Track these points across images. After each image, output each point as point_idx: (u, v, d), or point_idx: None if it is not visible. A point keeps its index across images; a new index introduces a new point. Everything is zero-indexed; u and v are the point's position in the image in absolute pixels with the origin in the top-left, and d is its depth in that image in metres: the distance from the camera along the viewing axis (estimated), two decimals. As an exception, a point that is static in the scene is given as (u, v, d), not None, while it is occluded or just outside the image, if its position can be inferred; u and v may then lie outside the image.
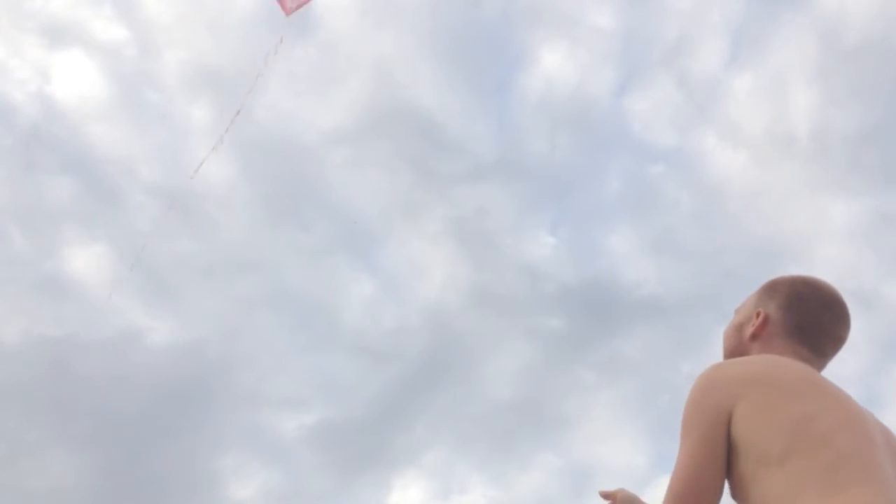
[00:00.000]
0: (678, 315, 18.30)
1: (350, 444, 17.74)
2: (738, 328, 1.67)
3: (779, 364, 1.47)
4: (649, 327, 18.77)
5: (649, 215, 20.52)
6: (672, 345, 18.08)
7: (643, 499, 1.62)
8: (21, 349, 16.50)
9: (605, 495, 1.67)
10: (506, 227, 20.21)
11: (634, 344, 18.84)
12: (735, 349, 1.65)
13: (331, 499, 17.09)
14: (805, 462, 1.30)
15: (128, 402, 16.45)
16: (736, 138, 19.08)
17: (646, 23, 19.44)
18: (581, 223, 21.50)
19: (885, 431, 1.46)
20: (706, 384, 1.46)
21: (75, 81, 19.69)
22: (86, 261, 19.12)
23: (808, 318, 1.60)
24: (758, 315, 1.63)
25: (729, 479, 1.43)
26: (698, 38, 19.00)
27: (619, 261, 20.30)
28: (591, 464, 17.59)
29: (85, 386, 16.57)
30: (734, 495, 1.43)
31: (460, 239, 19.81)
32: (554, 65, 19.89)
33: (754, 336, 1.62)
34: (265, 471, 17.93)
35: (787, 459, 1.31)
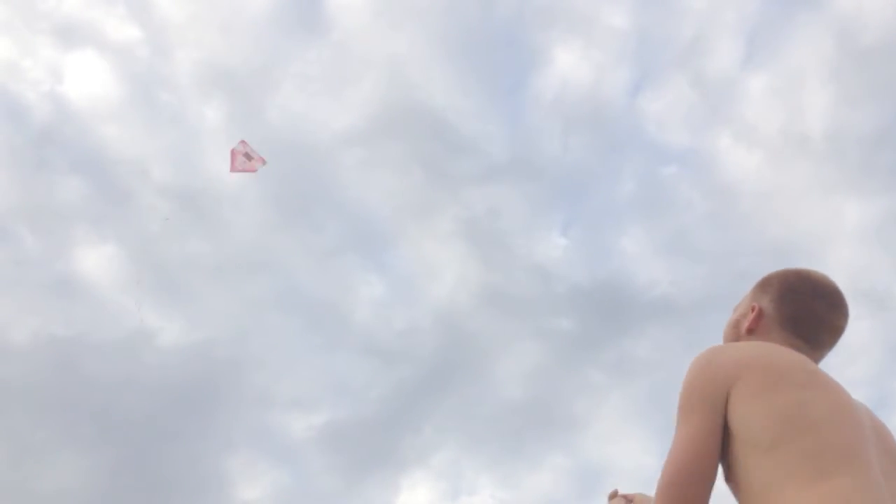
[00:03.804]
0: (690, 316, 18.19)
1: (359, 445, 17.71)
2: (735, 324, 1.70)
3: (775, 350, 1.47)
4: (661, 328, 18.69)
5: (662, 216, 20.44)
6: (684, 345, 18.01)
7: None
8: (30, 349, 16.54)
9: (622, 497, 1.72)
10: (517, 228, 20.16)
11: (645, 345, 18.76)
12: None
13: (339, 499, 17.06)
14: (792, 449, 1.31)
15: (136, 403, 16.47)
16: (750, 138, 18.97)
17: (660, 23, 19.37)
18: (593, 224, 21.43)
19: (877, 425, 1.47)
20: (704, 366, 1.47)
21: (88, 81, 19.77)
22: (96, 261, 19.18)
23: (801, 308, 1.61)
24: (753, 309, 1.65)
25: (722, 462, 1.43)
26: (713, 38, 18.92)
27: (632, 261, 20.21)
28: (600, 465, 17.52)
29: (94, 386, 16.59)
30: (727, 478, 1.43)
31: (472, 239, 19.77)
32: (568, 65, 19.85)
33: (750, 330, 1.64)
34: (273, 471, 17.93)
35: (775, 446, 1.32)
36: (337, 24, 19.77)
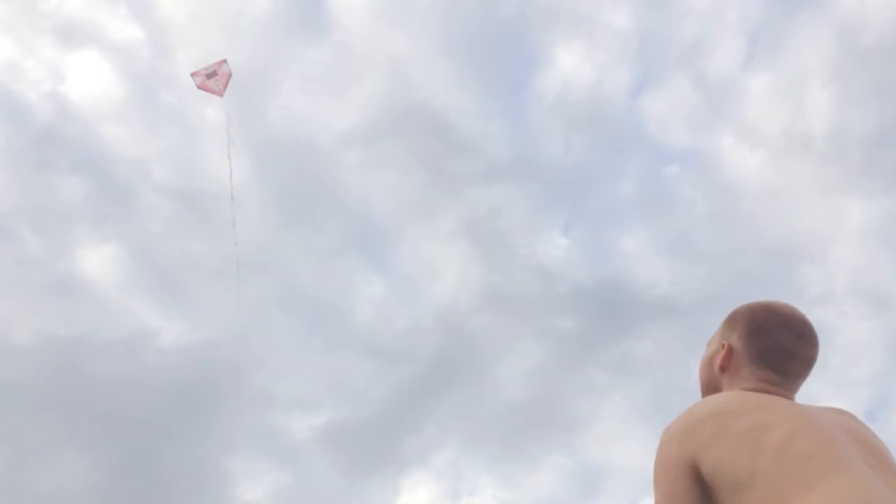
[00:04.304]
0: (692, 316, 18.16)
1: (360, 445, 17.71)
2: (709, 361, 1.72)
3: (730, 395, 1.53)
4: (662, 328, 18.68)
5: (664, 216, 20.42)
6: (685, 345, 17.97)
7: None
8: (32, 349, 16.54)
9: None
10: (519, 228, 20.15)
11: (647, 345, 18.74)
12: (709, 383, 1.71)
13: (340, 500, 17.05)
14: (771, 473, 1.34)
15: (138, 403, 16.46)
16: (752, 139, 18.96)
17: (662, 23, 19.37)
18: (595, 224, 21.42)
19: (848, 426, 1.49)
20: (665, 440, 1.51)
21: (89, 82, 19.76)
22: (98, 261, 19.18)
23: (768, 342, 1.62)
24: (723, 346, 1.67)
25: None
26: (715, 38, 18.91)
27: (633, 262, 20.20)
28: (601, 465, 17.51)
29: (95, 386, 16.58)
30: None
31: (473, 239, 19.76)
32: (570, 65, 19.84)
33: (722, 368, 1.66)
34: (275, 471, 17.93)
35: (755, 479, 1.35)
36: (339, 24, 19.78)
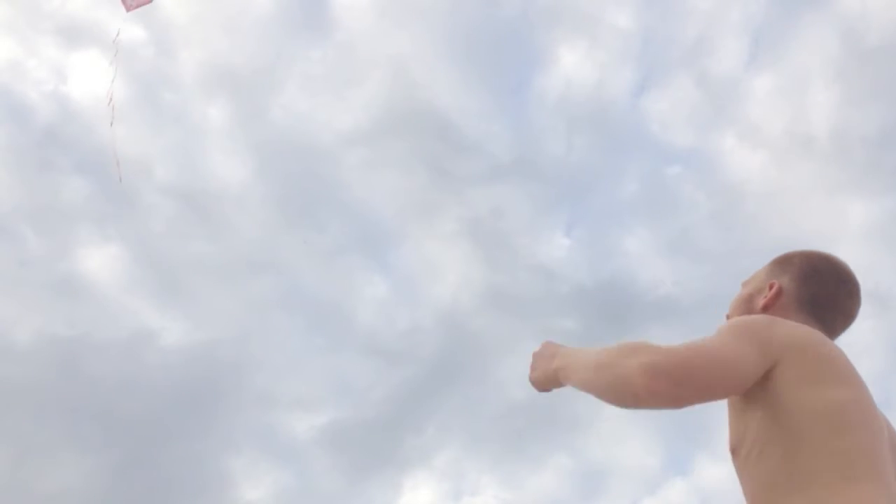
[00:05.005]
0: (694, 316, 18.10)
1: (361, 446, 17.68)
2: (748, 299, 1.62)
3: (825, 341, 1.42)
4: (664, 328, 18.59)
5: (666, 216, 20.37)
6: (687, 346, 17.90)
7: None
8: (33, 349, 16.55)
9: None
10: (521, 228, 20.10)
11: (649, 346, 18.64)
12: None
13: (341, 500, 17.03)
14: (825, 448, 1.27)
15: (139, 403, 16.46)
16: (755, 139, 18.90)
17: (665, 23, 19.30)
18: (597, 224, 21.38)
19: (888, 425, 1.45)
20: (767, 324, 1.39)
21: (91, 82, 19.76)
22: (100, 261, 19.18)
23: (822, 291, 1.56)
24: (771, 287, 1.58)
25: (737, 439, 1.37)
26: (718, 37, 18.84)
27: (635, 262, 20.14)
28: (603, 465, 17.45)
29: (96, 386, 16.59)
30: (736, 451, 1.38)
31: (475, 240, 19.72)
32: (572, 65, 19.78)
33: (766, 307, 1.57)
34: (276, 472, 17.89)
35: (809, 440, 1.28)
36: (341, 24, 19.75)
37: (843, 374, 1.36)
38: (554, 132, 20.17)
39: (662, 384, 1.25)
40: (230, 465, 17.39)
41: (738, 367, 1.31)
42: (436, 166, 19.39)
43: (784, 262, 1.61)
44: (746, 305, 1.61)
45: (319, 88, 19.23)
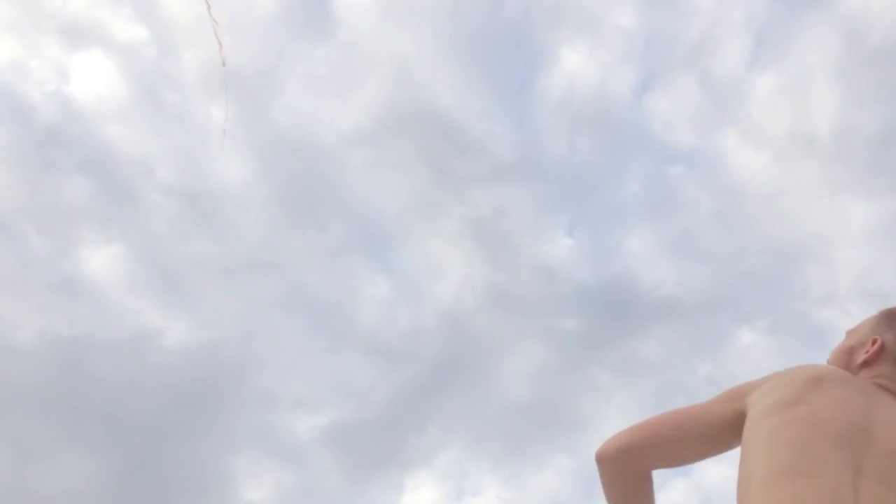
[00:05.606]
0: (696, 316, 18.09)
1: (363, 446, 17.67)
2: (849, 351, 1.62)
3: (795, 367, 1.48)
4: (667, 328, 18.58)
5: (668, 216, 20.32)
6: (689, 346, 17.90)
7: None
8: (35, 349, 16.56)
9: None
10: (524, 228, 20.08)
11: (651, 345, 18.67)
12: None
13: (343, 500, 17.01)
14: (761, 449, 1.32)
15: (141, 403, 16.47)
16: (757, 139, 18.85)
17: (668, 22, 19.25)
18: (599, 224, 21.34)
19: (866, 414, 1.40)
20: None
21: (94, 81, 19.76)
22: (102, 261, 19.18)
23: None
24: (874, 342, 1.57)
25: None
26: (720, 37, 18.78)
27: (637, 262, 20.11)
28: (606, 467, 17.39)
29: (98, 386, 16.60)
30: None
31: (478, 240, 19.70)
32: (575, 65, 19.74)
33: (866, 363, 1.57)
34: (277, 472, 17.88)
35: (752, 440, 1.35)
36: (344, 23, 19.74)
37: (788, 378, 1.40)
38: (556, 132, 20.15)
39: None
40: (232, 465, 17.41)
41: (688, 414, 1.49)
42: (438, 166, 19.38)
43: (890, 318, 1.60)
44: (847, 357, 1.61)
45: (322, 88, 19.23)
